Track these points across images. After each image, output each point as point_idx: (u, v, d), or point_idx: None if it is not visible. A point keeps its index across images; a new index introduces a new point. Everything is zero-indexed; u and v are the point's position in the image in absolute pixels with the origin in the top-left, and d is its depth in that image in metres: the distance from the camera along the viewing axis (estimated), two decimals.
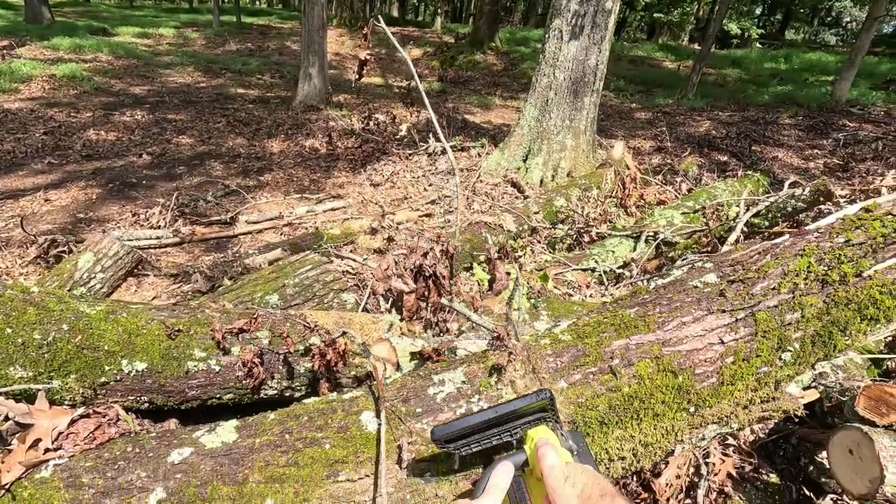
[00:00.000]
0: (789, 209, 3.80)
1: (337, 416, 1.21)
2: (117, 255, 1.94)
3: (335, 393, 1.35)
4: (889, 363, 2.77)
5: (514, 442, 0.94)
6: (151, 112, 8.38)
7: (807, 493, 2.33)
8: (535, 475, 0.85)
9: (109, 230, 4.74)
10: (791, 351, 1.13)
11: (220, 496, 1.13)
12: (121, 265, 1.86)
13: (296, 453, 1.16)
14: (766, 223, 3.89)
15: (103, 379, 1.49)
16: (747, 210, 4.12)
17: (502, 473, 0.82)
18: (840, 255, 1.17)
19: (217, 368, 1.62)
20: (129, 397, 1.55)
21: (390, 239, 4.38)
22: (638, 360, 1.16)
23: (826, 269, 1.15)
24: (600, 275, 3.86)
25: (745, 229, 3.86)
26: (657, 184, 5.68)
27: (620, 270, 4.00)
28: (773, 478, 2.40)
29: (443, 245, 1.19)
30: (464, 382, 1.21)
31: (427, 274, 1.18)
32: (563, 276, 3.78)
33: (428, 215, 5.26)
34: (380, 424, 1.14)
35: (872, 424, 1.97)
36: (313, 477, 1.13)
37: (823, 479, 2.31)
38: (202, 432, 1.27)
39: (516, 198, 5.65)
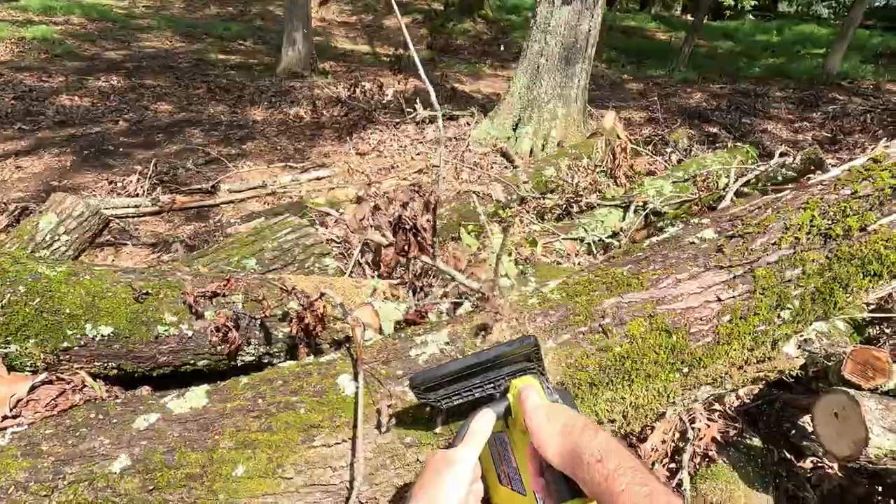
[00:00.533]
0: (780, 178, 3.77)
1: (313, 380, 1.15)
2: (82, 216, 1.82)
3: (312, 357, 1.28)
4: (871, 330, 2.78)
5: (498, 394, 0.89)
6: (128, 77, 8.05)
7: (788, 455, 2.36)
8: (519, 426, 0.81)
9: (86, 198, 4.57)
10: (790, 309, 1.08)
11: (188, 462, 1.07)
12: (87, 227, 1.76)
13: (269, 418, 1.09)
14: (756, 193, 3.86)
15: (66, 344, 1.40)
16: (737, 179, 4.09)
17: (483, 420, 0.79)
18: (845, 207, 1.11)
19: (189, 333, 1.54)
20: (96, 363, 1.47)
21: (376, 208, 4.28)
22: (630, 318, 1.10)
23: (830, 222, 1.09)
24: (589, 244, 3.82)
25: (735, 199, 3.83)
26: (647, 154, 5.62)
27: (609, 240, 3.97)
28: (756, 441, 2.41)
29: (425, 196, 1.11)
30: (447, 343, 1.15)
31: (407, 227, 1.10)
32: (552, 245, 3.73)
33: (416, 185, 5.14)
34: (357, 387, 1.08)
35: (858, 388, 1.97)
36: (288, 442, 1.07)
37: (805, 443, 2.33)
38: (170, 398, 1.20)
39: (505, 167, 5.55)
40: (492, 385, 0.89)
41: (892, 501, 2.17)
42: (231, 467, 1.06)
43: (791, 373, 1.10)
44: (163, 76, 8.36)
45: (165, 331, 1.50)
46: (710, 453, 2.35)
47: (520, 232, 3.89)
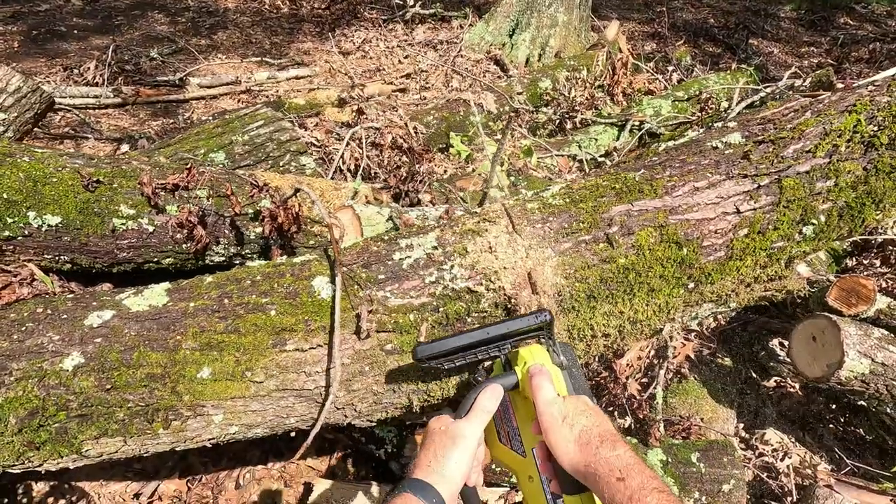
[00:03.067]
0: None
1: (285, 281, 1.04)
2: (20, 91, 1.58)
3: (284, 257, 1.17)
4: (848, 261, 2.79)
5: (503, 357, 0.85)
6: None
7: (754, 375, 2.44)
8: (524, 394, 0.78)
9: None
10: (814, 224, 0.99)
11: (148, 363, 0.98)
12: (26, 105, 1.54)
13: (236, 319, 1.00)
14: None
15: (7, 233, 1.25)
16: (740, 101, 3.90)
17: (490, 396, 0.76)
18: None
19: (150, 228, 1.40)
20: (46, 256, 1.33)
21: (360, 112, 4.01)
22: (640, 228, 1.00)
23: (876, 129, 0.98)
24: (581, 162, 3.68)
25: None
26: (648, 72, 5.32)
27: (602, 159, 3.84)
28: (728, 361, 2.48)
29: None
30: (435, 248, 1.04)
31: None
32: (544, 161, 3.58)
33: (402, 90, 4.82)
34: (335, 290, 0.98)
35: (839, 314, 1.99)
36: (257, 345, 0.98)
37: (772, 364, 2.40)
38: (127, 294, 1.08)
39: (499, 77, 5.21)
40: (497, 349, 0.84)
41: (842, 418, 2.29)
42: (195, 369, 0.97)
43: (798, 293, 1.03)
44: None
45: (123, 224, 1.36)
46: (683, 370, 2.41)
47: (512, 144, 3.71)
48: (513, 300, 0.97)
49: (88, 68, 4.45)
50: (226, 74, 4.75)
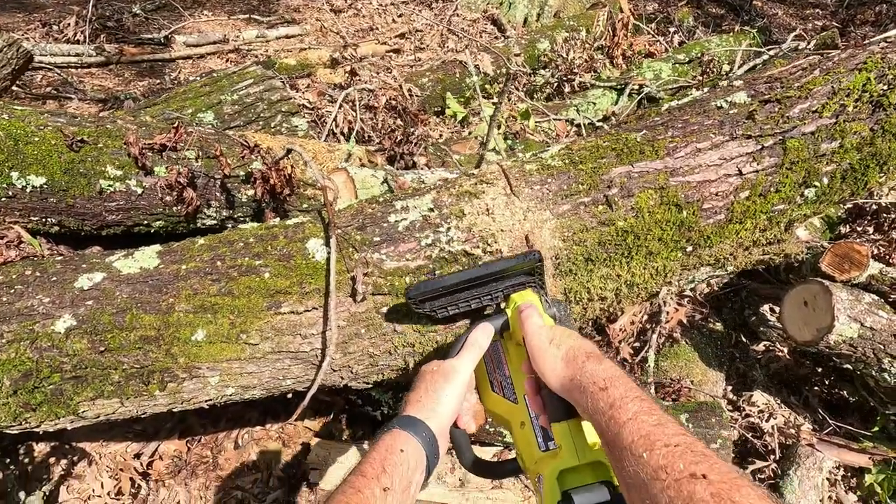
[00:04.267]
0: None
1: (278, 243, 1.02)
2: None
3: (277, 219, 1.14)
4: (842, 228, 2.81)
5: (496, 306, 0.86)
6: None
7: (744, 339, 2.48)
8: (515, 339, 0.79)
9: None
10: (816, 187, 0.97)
11: (141, 325, 0.97)
12: (3, 60, 1.47)
13: (229, 282, 0.98)
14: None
15: None
16: (743, 64, 3.82)
17: (481, 333, 0.77)
18: None
19: (139, 190, 1.36)
20: (32, 218, 1.30)
21: (352, 73, 3.90)
22: (640, 190, 0.98)
23: (886, 87, 0.95)
24: (579, 126, 3.62)
25: None
26: (649, 33, 5.18)
27: (600, 124, 3.78)
28: (719, 326, 2.51)
29: None
30: (431, 210, 1.02)
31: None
32: (541, 125, 3.52)
33: (396, 51, 4.67)
34: (329, 252, 0.96)
35: (832, 280, 2.00)
36: (251, 308, 0.97)
37: (762, 328, 2.43)
38: (117, 257, 1.06)
39: (496, 37, 5.06)
40: (489, 297, 0.84)
41: (826, 381, 2.35)
42: (189, 331, 0.96)
43: (796, 257, 1.03)
44: None
45: (110, 186, 1.32)
46: (675, 335, 2.44)
47: (509, 107, 3.63)
48: None
49: (68, 24, 4.27)
50: (213, 32, 4.58)
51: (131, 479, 1.66)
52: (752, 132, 0.98)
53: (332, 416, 1.81)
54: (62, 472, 1.62)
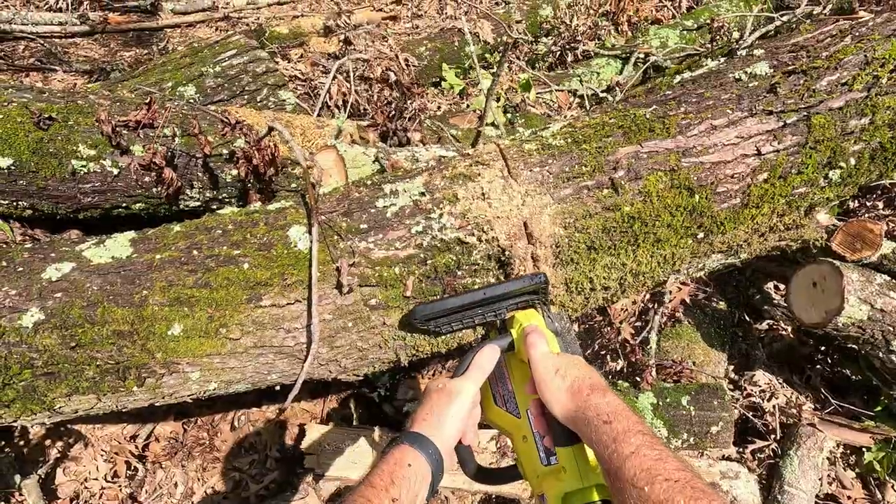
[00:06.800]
0: None
1: (259, 231, 0.95)
2: None
3: (259, 203, 1.07)
4: (850, 202, 2.72)
5: (499, 322, 0.86)
6: None
7: (747, 318, 2.43)
8: (519, 357, 0.80)
9: None
10: (842, 168, 0.90)
11: (114, 319, 0.91)
12: None
13: (207, 273, 0.92)
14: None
15: None
16: (754, 31, 3.66)
17: (487, 356, 0.79)
18: None
19: (115, 171, 1.28)
20: (2, 201, 1.23)
21: (347, 42, 3.74)
22: (648, 172, 0.91)
23: None
24: (582, 97, 3.49)
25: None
26: None
27: (604, 94, 3.65)
28: (722, 305, 2.45)
29: None
30: (422, 194, 0.94)
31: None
32: (543, 96, 3.39)
33: (393, 18, 4.49)
34: (312, 241, 0.89)
35: (843, 259, 1.94)
36: (230, 300, 0.91)
37: (765, 307, 2.38)
38: (88, 245, 0.99)
39: (497, 3, 4.86)
40: (493, 314, 0.85)
41: (829, 360, 2.31)
42: (166, 325, 0.91)
43: (815, 243, 0.96)
44: None
45: (83, 166, 1.24)
46: (678, 314, 2.39)
47: (510, 78, 3.50)
48: (507, 252, 0.89)
49: None
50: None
51: (127, 461, 1.64)
52: (774, 107, 0.90)
53: (329, 397, 1.78)
54: (58, 455, 1.60)
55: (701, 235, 0.95)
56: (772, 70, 0.93)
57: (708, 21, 4.02)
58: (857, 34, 0.91)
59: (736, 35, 3.85)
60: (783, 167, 0.92)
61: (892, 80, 0.88)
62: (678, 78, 0.95)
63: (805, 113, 0.90)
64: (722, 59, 0.96)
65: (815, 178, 0.92)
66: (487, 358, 0.78)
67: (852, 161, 0.92)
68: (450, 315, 0.85)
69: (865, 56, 0.89)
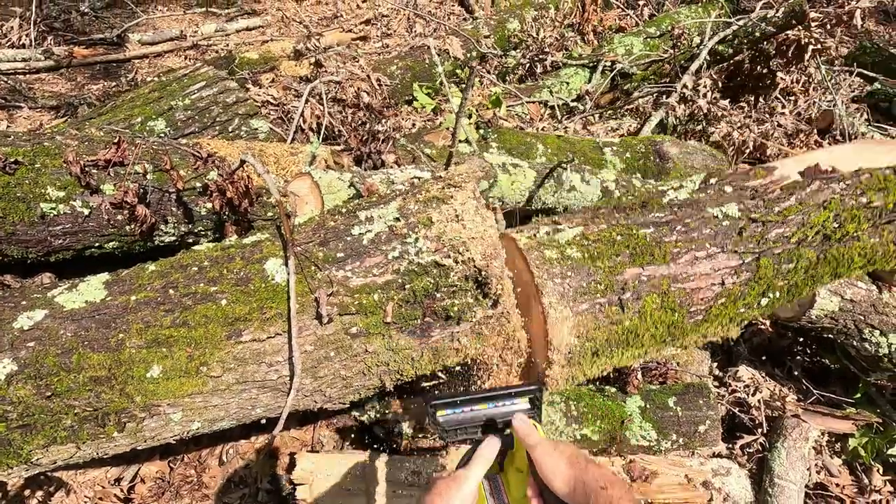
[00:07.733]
0: (758, 34, 3.49)
1: (235, 266, 0.95)
2: None
3: (235, 238, 1.07)
4: None
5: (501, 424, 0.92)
6: None
7: None
8: (515, 465, 0.88)
9: None
10: (769, 298, 1.16)
11: (90, 365, 0.89)
12: None
13: (184, 312, 0.91)
14: (731, 51, 3.62)
15: None
16: (713, 35, 3.79)
17: (488, 447, 0.86)
18: (855, 215, 1.17)
19: (86, 212, 1.27)
20: None
21: (318, 64, 3.76)
22: (647, 294, 1.09)
23: (836, 226, 1.15)
24: (553, 108, 3.56)
25: (709, 57, 3.60)
26: (618, 7, 5.11)
27: (574, 104, 3.72)
28: None
29: None
30: (397, 219, 0.95)
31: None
32: (514, 109, 3.45)
33: (363, 38, 4.53)
34: (289, 274, 0.89)
35: None
36: (210, 338, 0.90)
37: None
38: (60, 290, 0.98)
39: (465, 19, 4.94)
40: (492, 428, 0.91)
41: (808, 350, 2.36)
42: (144, 368, 0.89)
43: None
44: None
45: (52, 209, 1.23)
46: None
47: (480, 93, 3.54)
48: (483, 272, 0.90)
49: (12, 28, 4.05)
50: (168, 29, 4.38)
51: None
52: (738, 248, 1.12)
53: (318, 423, 1.76)
54: None
55: (669, 340, 1.16)
56: (740, 213, 1.15)
57: (669, 28, 4.15)
58: (800, 198, 1.16)
59: (697, 40, 3.98)
60: (735, 295, 1.15)
61: (813, 238, 1.16)
62: (667, 199, 1.17)
63: (757, 255, 1.14)
64: (696, 182, 1.22)
65: (752, 303, 1.17)
66: (489, 448, 0.86)
67: (777, 294, 1.18)
68: (458, 406, 0.89)
69: (803, 218, 1.15)
